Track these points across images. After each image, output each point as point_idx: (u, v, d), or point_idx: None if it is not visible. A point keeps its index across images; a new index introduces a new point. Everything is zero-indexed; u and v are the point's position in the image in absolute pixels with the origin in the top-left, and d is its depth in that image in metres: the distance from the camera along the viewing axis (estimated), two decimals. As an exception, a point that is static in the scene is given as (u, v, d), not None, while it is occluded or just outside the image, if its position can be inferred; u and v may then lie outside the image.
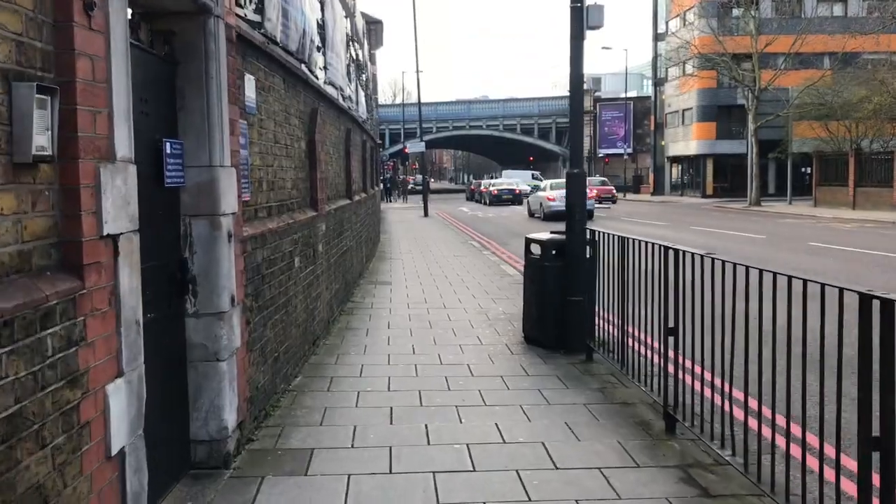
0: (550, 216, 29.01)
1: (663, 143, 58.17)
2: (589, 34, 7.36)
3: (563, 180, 26.91)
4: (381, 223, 26.30)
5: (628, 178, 63.47)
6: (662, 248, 5.05)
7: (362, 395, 5.83)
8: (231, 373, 4.41)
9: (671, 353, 4.97)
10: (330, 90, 9.31)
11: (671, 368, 4.99)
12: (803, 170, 45.68)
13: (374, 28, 53.55)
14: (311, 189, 7.34)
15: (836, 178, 36.23)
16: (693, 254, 4.58)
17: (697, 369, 4.91)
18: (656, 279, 5.26)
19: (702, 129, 51.83)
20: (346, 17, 12.41)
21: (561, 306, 7.26)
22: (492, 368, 6.67)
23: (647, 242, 5.50)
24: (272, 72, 5.85)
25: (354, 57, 14.19)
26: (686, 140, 53.79)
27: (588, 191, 33.70)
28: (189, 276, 4.21)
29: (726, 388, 4.31)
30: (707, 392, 4.73)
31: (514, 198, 45.12)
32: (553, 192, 30.09)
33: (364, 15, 45.43)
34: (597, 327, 6.99)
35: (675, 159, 56.94)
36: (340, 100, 10.73)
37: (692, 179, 54.59)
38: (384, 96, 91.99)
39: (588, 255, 7.16)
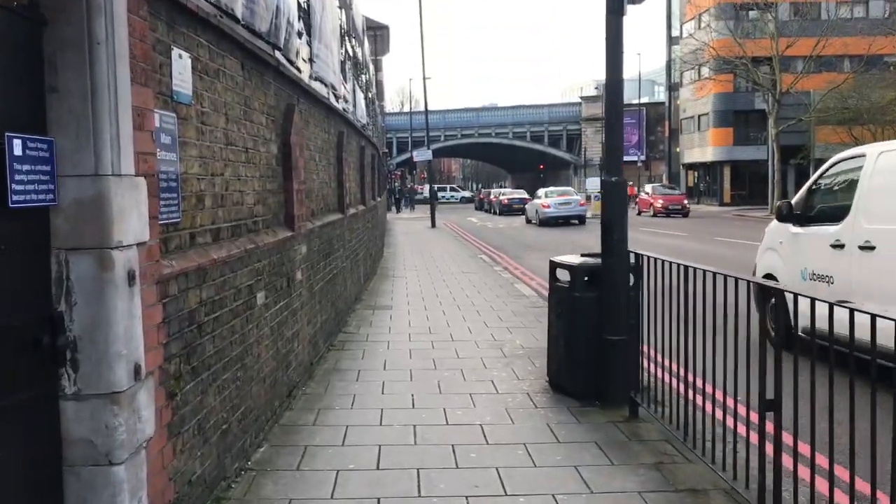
0: (545, 222, 32.04)
1: (678, 149, 56.63)
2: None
3: (557, 188, 27.86)
4: (386, 235, 24.94)
5: (642, 185, 61.87)
6: (756, 286, 3.61)
7: (342, 476, 4.40)
8: (136, 478, 3.00)
9: (765, 430, 3.54)
10: (317, 86, 7.95)
11: (768, 450, 3.55)
12: (823, 176, 44.03)
13: (380, 34, 52.40)
14: (285, 203, 5.94)
15: (863, 184, 34.55)
16: (813, 300, 3.12)
17: (803, 448, 3.49)
18: (738, 321, 3.85)
19: (718, 135, 50.27)
20: (339, 7, 11.07)
21: (597, 347, 5.83)
22: (511, 431, 5.23)
23: (725, 276, 4.07)
24: (223, 52, 4.47)
25: (351, 54, 12.84)
26: (702, 146, 52.24)
27: (652, 201, 32.75)
28: (63, 341, 2.81)
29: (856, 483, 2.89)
30: (824, 489, 3.30)
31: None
32: (547, 200, 33.05)
33: (369, 20, 44.25)
34: (643, 373, 5.58)
35: (691, 166, 55.38)
36: (332, 99, 9.37)
37: (709, 187, 53.00)
38: (392, 105, 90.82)
39: (631, 284, 5.76)
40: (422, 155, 37.64)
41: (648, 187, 43.22)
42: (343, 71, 11.61)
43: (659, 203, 38.71)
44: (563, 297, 6.13)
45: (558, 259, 6.38)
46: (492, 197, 49.94)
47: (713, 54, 40.78)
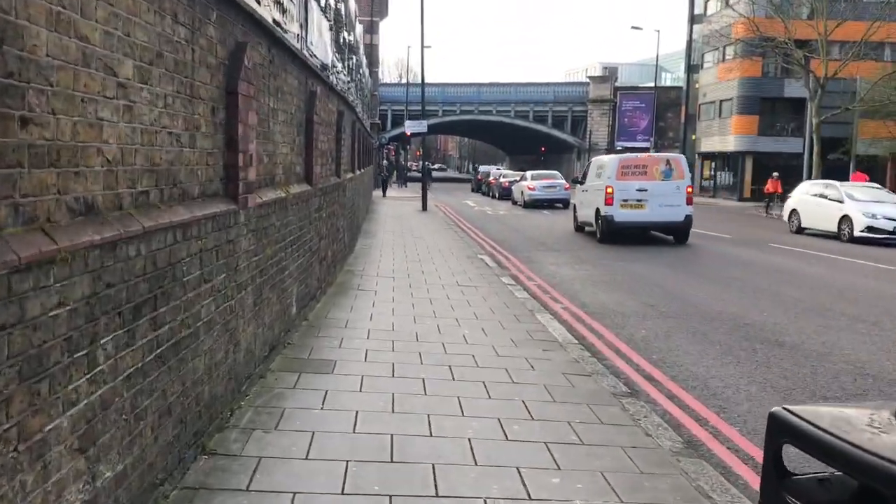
0: (530, 204, 32.03)
1: (694, 136, 51.97)
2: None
3: (544, 171, 23.81)
4: (366, 221, 20.43)
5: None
6: None
7: None
8: None
9: None
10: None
11: None
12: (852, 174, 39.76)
13: (376, -8, 47.49)
14: None
15: (915, 185, 30.29)
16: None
17: None
18: None
19: (742, 123, 45.59)
20: None
21: None
22: None
23: None
24: None
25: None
26: (723, 134, 47.60)
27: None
28: None
29: None
30: None
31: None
32: (533, 183, 33.07)
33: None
34: None
35: (708, 156, 50.64)
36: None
37: (731, 179, 48.11)
38: (389, 76, 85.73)
39: None
40: (415, 127, 32.92)
41: None
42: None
43: None
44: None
45: (807, 416, 1.91)
46: (490, 179, 45.29)
47: (753, 30, 36.00)
